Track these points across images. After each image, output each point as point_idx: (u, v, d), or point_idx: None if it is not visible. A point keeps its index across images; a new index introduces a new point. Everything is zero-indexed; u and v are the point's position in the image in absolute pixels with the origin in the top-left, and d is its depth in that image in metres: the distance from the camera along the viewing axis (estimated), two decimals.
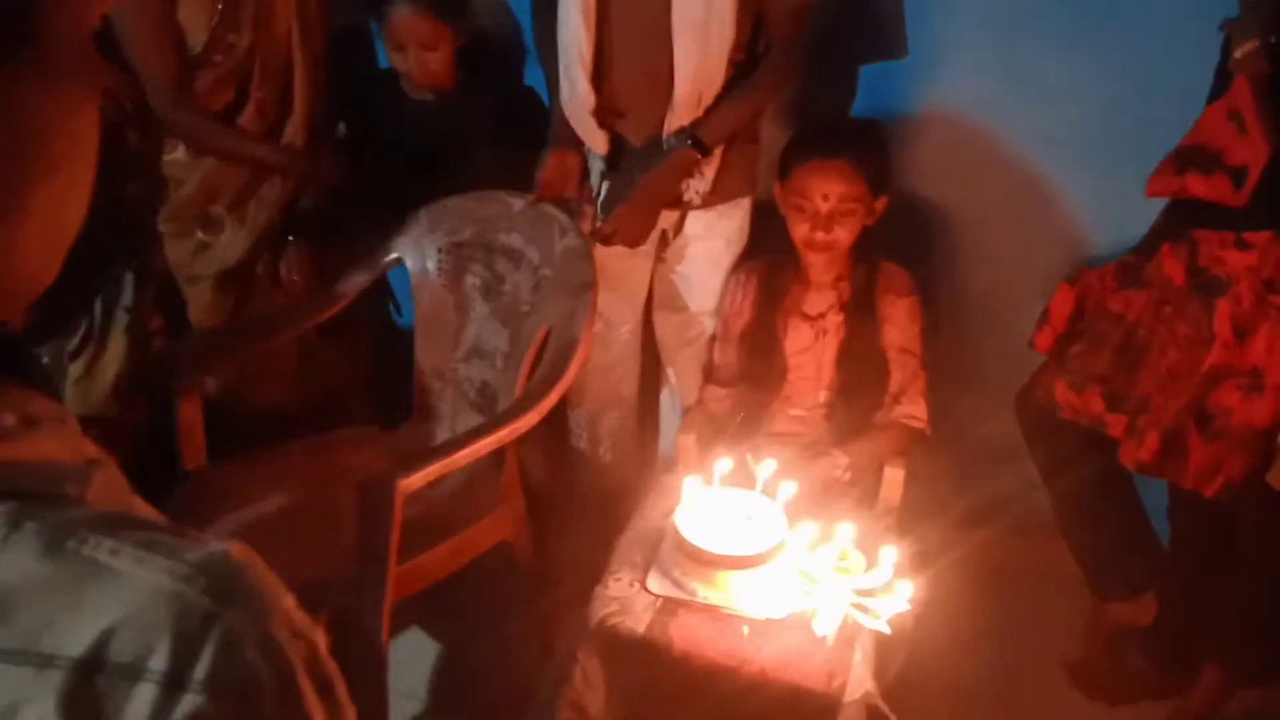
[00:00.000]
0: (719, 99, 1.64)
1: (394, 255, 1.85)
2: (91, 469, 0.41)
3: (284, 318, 1.81)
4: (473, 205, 1.83)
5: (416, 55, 1.79)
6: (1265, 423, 1.45)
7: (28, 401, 0.41)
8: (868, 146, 1.71)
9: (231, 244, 1.77)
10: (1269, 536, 1.51)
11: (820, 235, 1.68)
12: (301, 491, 1.63)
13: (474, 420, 1.73)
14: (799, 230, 1.71)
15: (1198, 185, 1.48)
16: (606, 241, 1.70)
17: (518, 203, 1.77)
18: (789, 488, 1.50)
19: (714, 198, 1.74)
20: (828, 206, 1.66)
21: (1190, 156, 1.48)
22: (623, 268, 1.81)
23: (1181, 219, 1.57)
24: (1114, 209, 1.82)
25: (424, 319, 1.86)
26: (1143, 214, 1.73)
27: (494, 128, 1.86)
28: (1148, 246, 1.61)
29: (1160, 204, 1.69)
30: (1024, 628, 2.00)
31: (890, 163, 1.75)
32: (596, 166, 1.77)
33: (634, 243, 1.72)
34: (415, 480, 1.36)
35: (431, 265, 1.84)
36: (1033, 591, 2.06)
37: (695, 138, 1.65)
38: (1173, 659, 1.81)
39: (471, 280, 1.84)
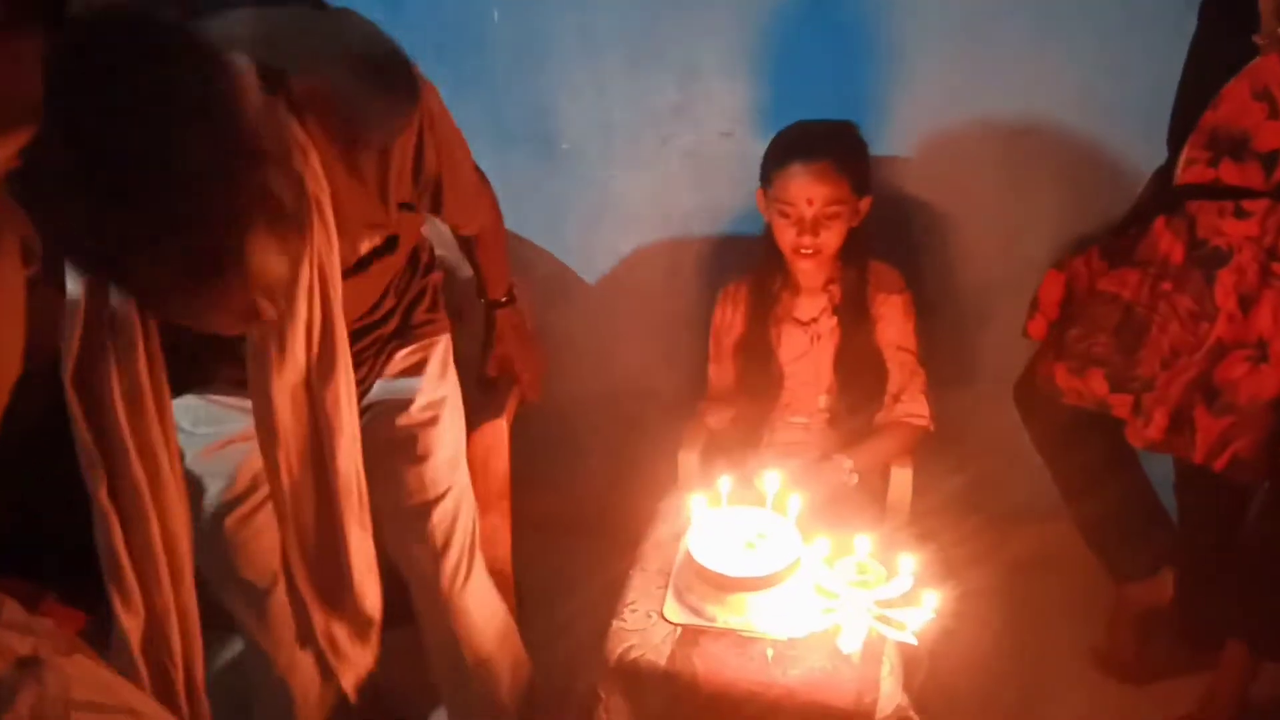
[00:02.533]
0: None
1: None
2: None
3: None
4: None
5: None
6: (1273, 394, 1.43)
7: None
8: (847, 147, 1.69)
9: None
10: None
11: (808, 240, 1.65)
12: None
13: None
14: (785, 236, 1.68)
15: (1231, 174, 1.44)
16: None
17: None
18: (797, 500, 1.47)
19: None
20: (813, 211, 1.63)
21: (1219, 141, 1.44)
22: None
23: (1171, 192, 1.54)
24: (1095, 192, 1.81)
25: None
26: (1123, 195, 1.72)
27: None
28: (1136, 221, 1.59)
29: (1141, 180, 1.68)
30: (1045, 618, 1.99)
31: (870, 162, 1.72)
32: None
33: None
34: None
35: None
36: (1051, 580, 2.04)
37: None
38: (1198, 635, 1.79)
39: None
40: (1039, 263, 1.85)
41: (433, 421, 1.40)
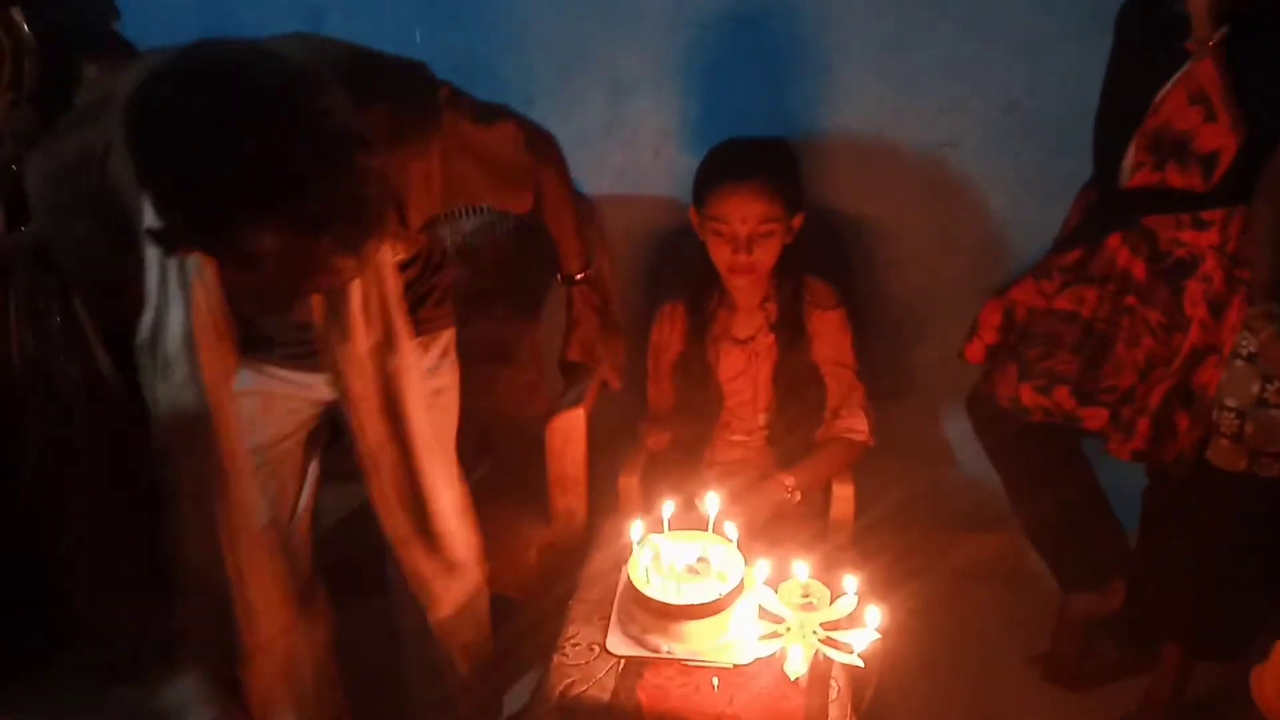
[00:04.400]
0: None
1: None
2: None
3: None
4: None
5: None
6: None
7: None
8: (779, 164, 1.68)
9: None
10: (1216, 512, 1.52)
11: (743, 258, 1.64)
12: None
13: None
14: (721, 255, 1.67)
15: (1175, 177, 1.47)
16: None
17: None
18: (739, 523, 1.45)
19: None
20: (747, 229, 1.62)
21: (1163, 145, 1.47)
22: None
23: (1120, 208, 1.56)
24: (1024, 203, 1.83)
25: None
26: (1054, 205, 1.75)
27: None
28: (1083, 239, 1.61)
29: (1071, 193, 1.71)
30: (989, 628, 2.00)
31: (801, 179, 1.72)
32: None
33: None
34: None
35: None
36: (994, 590, 2.06)
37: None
38: (1138, 641, 1.81)
39: None
40: (969, 277, 1.88)
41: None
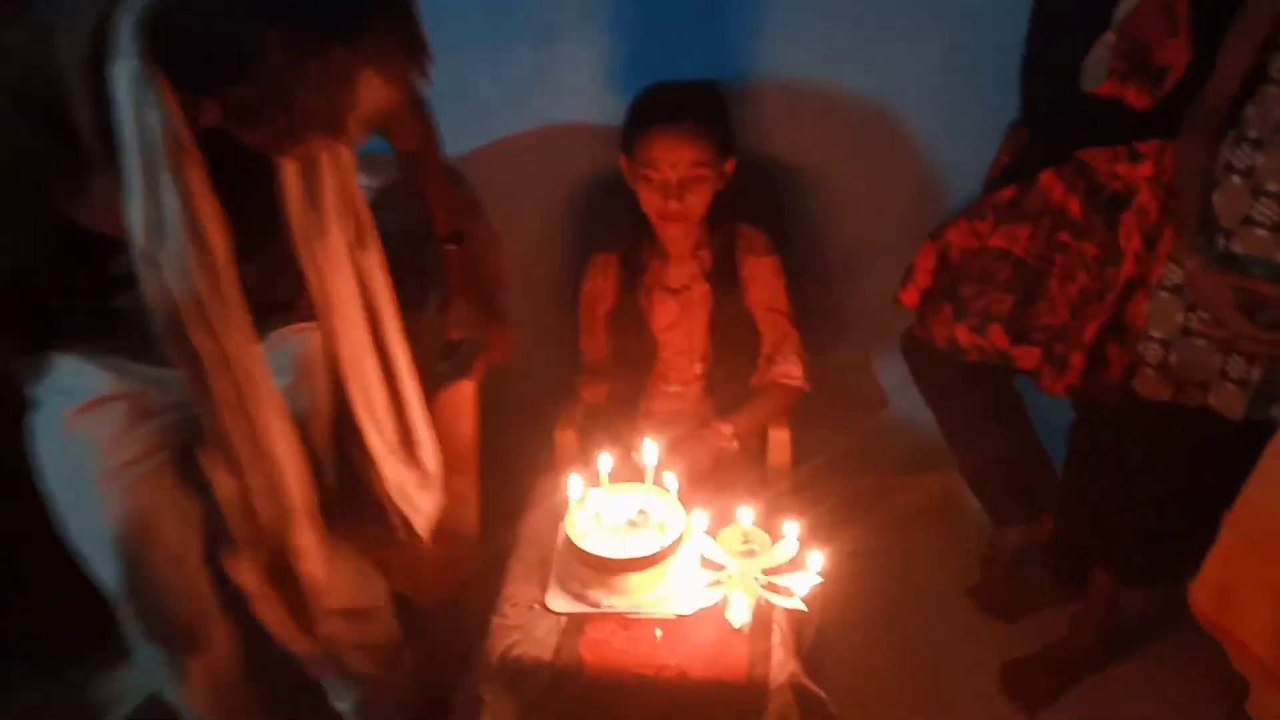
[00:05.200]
0: None
1: None
2: None
3: None
4: None
5: None
6: None
7: None
8: (709, 107, 1.64)
9: None
10: (1143, 441, 1.55)
11: (674, 205, 1.60)
12: None
13: None
14: (651, 203, 1.62)
15: (1133, 94, 1.44)
16: None
17: None
18: (676, 475, 1.43)
19: None
20: (677, 174, 1.58)
21: (1132, 55, 1.44)
22: None
23: (1054, 143, 1.56)
24: (959, 147, 1.82)
25: None
26: (979, 153, 1.74)
27: None
28: (1016, 177, 1.60)
29: (995, 136, 1.70)
30: (927, 564, 2.03)
31: (732, 122, 1.68)
32: None
33: None
34: None
35: None
36: (929, 529, 2.09)
37: None
38: (1067, 570, 1.86)
39: None
40: (904, 221, 1.87)
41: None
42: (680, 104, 1.61)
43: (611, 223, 1.79)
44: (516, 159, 1.88)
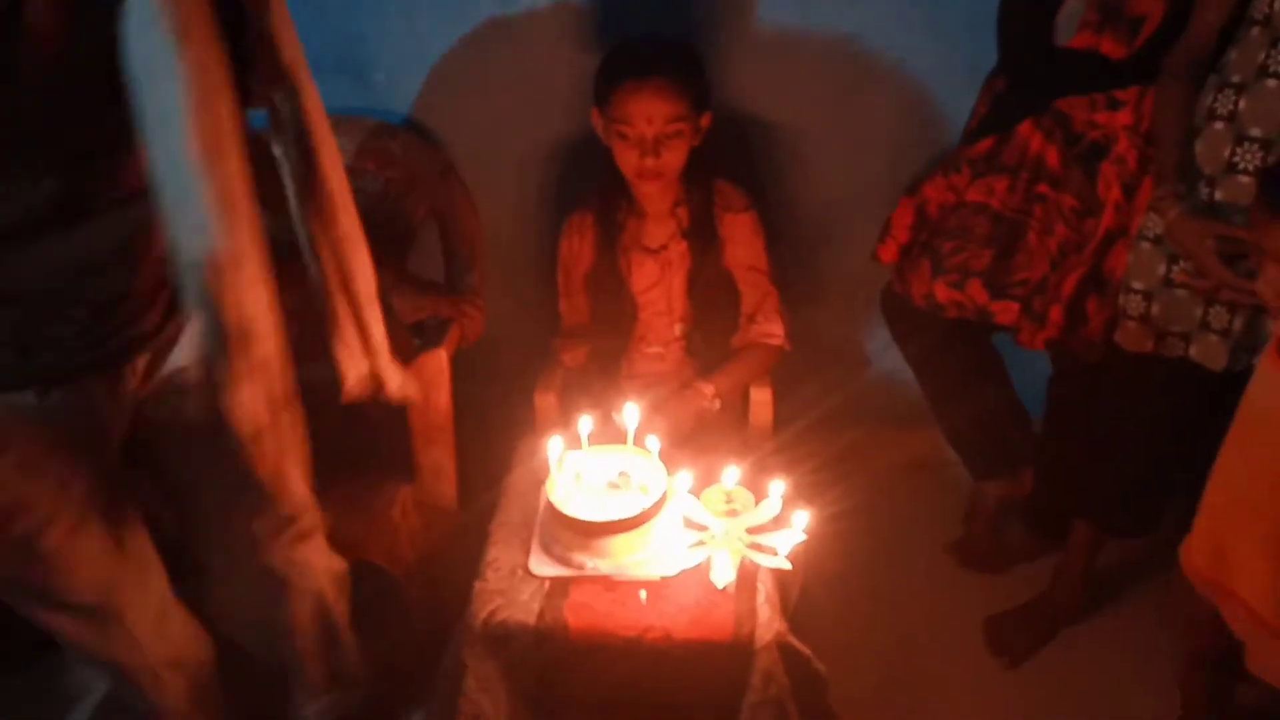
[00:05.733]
0: None
1: None
2: None
3: None
4: None
5: None
6: None
7: None
8: (683, 61, 1.60)
9: None
10: (1124, 393, 1.55)
11: (650, 162, 1.57)
12: None
13: None
14: (628, 160, 1.59)
15: (1109, 44, 1.43)
16: None
17: None
18: (661, 434, 1.42)
19: None
20: (653, 130, 1.55)
21: (1106, 5, 1.42)
22: None
23: (1031, 93, 1.53)
24: (938, 97, 1.79)
25: None
26: (954, 104, 1.71)
27: None
28: (993, 128, 1.58)
29: (971, 87, 1.68)
30: (910, 519, 2.04)
31: (707, 77, 1.64)
32: None
33: None
34: None
35: None
36: (912, 485, 2.10)
37: None
38: (1047, 524, 1.87)
39: None
40: (880, 176, 1.85)
41: None
42: (655, 58, 1.58)
43: (586, 182, 1.76)
44: (480, 116, 1.84)
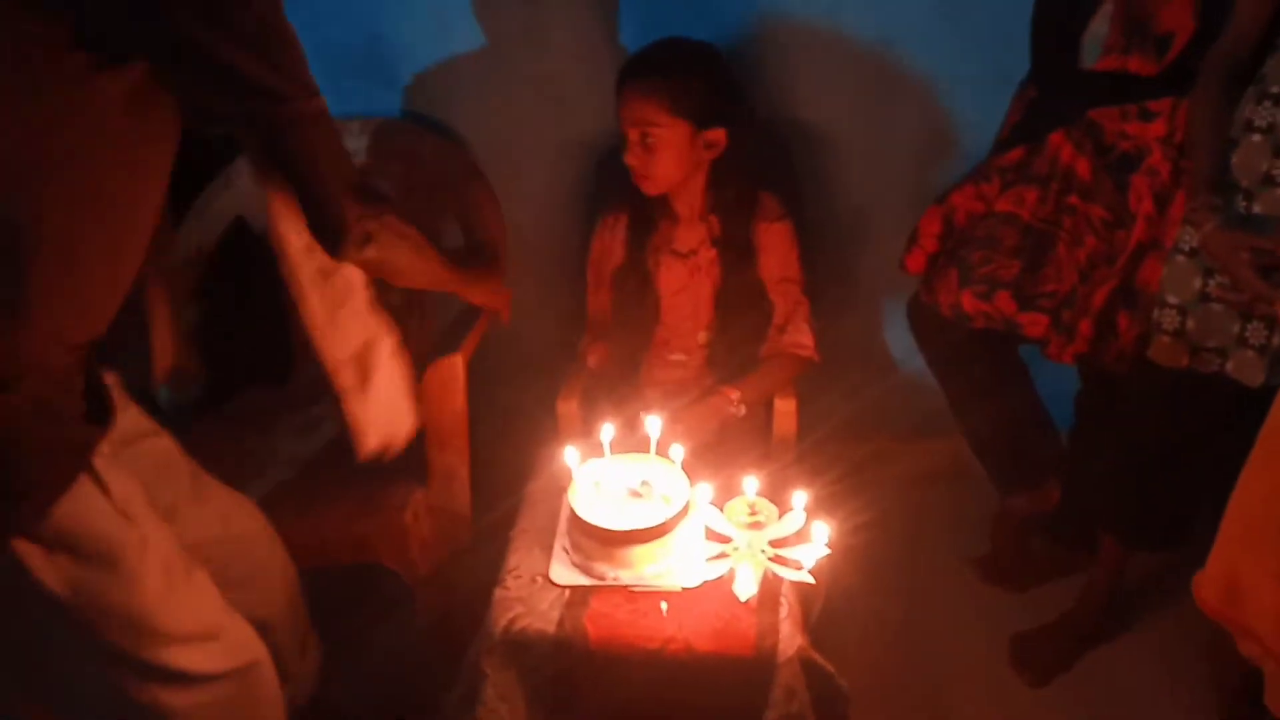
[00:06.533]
0: None
1: None
2: None
3: None
4: None
5: None
6: None
7: None
8: (688, 67, 1.54)
9: None
10: (1154, 409, 1.52)
11: (635, 164, 1.56)
12: None
13: None
14: (629, 160, 1.58)
15: (1137, 62, 1.41)
16: None
17: None
18: (684, 440, 1.40)
19: None
20: (636, 133, 1.53)
21: (1132, 24, 1.40)
22: None
23: (1064, 103, 1.51)
24: (967, 103, 1.77)
25: None
26: (984, 107, 1.69)
27: None
28: (1024, 138, 1.55)
29: (1002, 91, 1.65)
30: (930, 535, 2.01)
31: (721, 89, 1.58)
32: None
33: None
34: None
35: None
36: (936, 497, 2.07)
37: None
38: (1074, 538, 1.84)
39: None
40: (907, 181, 1.82)
41: None
42: (656, 60, 1.54)
43: (610, 185, 1.74)
44: (509, 119, 1.83)
